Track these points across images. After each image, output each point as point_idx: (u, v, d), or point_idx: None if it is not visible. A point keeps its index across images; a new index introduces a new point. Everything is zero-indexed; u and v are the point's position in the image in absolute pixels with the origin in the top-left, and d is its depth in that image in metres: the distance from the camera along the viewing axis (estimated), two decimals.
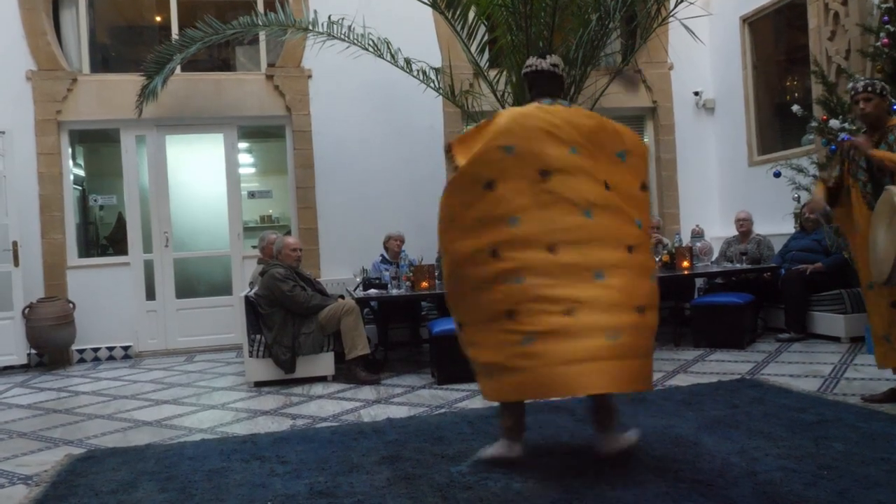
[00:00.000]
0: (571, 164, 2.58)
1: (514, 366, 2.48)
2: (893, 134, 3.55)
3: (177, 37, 6.79)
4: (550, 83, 2.82)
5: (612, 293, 2.49)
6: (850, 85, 3.87)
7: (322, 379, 4.98)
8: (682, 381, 4.32)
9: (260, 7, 7.19)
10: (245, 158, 8.68)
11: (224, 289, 7.24)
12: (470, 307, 2.65)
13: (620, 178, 2.68)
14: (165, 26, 7.21)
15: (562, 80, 2.87)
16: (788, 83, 7.21)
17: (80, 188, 7.76)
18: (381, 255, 6.24)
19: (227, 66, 7.80)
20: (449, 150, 2.69)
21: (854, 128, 5.11)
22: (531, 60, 2.86)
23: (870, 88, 3.58)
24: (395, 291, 5.31)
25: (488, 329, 2.58)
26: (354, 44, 6.17)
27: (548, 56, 2.85)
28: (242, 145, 7.96)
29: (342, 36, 6.16)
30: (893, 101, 3.77)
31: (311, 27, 6.13)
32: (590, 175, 2.60)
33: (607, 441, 2.71)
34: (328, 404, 4.28)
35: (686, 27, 5.78)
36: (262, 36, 7.15)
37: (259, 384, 4.94)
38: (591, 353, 2.39)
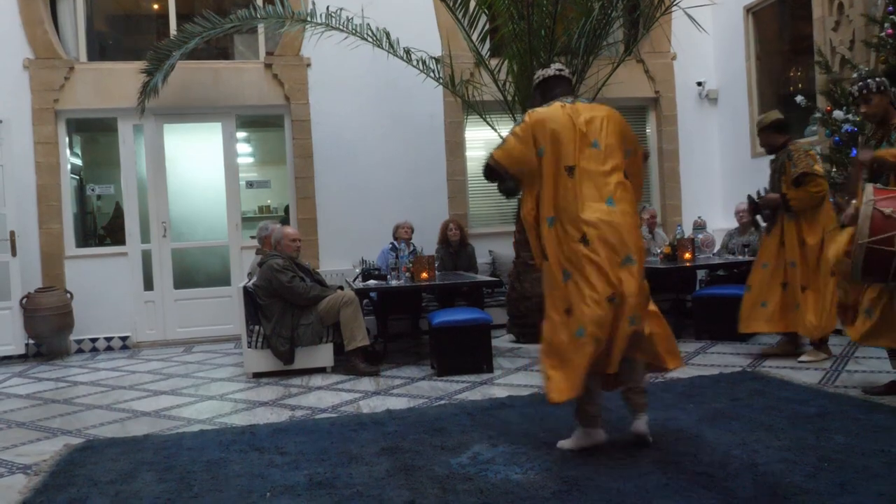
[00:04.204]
0: (593, 158, 2.82)
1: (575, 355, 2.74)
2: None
3: (174, 28, 6.76)
4: (562, 84, 3.05)
5: (638, 280, 2.79)
6: (852, 85, 3.85)
7: (321, 370, 4.96)
8: (682, 373, 4.29)
9: None
10: (243, 148, 8.64)
11: (222, 279, 7.21)
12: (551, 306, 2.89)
13: (630, 171, 2.96)
14: (163, 14, 7.15)
15: (570, 80, 3.12)
16: (792, 74, 7.17)
17: (77, 178, 7.72)
18: (392, 244, 6.24)
19: (225, 54, 7.74)
20: (495, 162, 2.93)
21: (858, 119, 5.07)
22: (538, 72, 3.15)
23: (864, 91, 3.56)
24: (394, 283, 5.28)
25: (562, 327, 2.79)
26: (353, 34, 6.12)
27: (551, 64, 3.21)
28: (241, 135, 7.93)
29: (340, 26, 6.11)
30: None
31: (309, 18, 6.09)
32: (611, 166, 2.84)
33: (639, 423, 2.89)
34: (327, 395, 4.27)
35: (689, 16, 5.74)
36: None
37: (258, 375, 4.92)
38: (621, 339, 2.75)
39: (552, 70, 3.07)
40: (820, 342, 4.50)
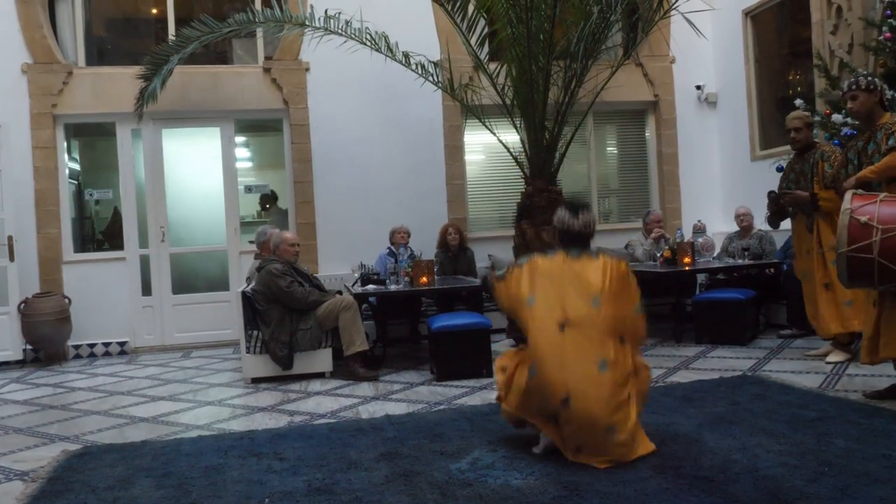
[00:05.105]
0: (590, 317, 2.73)
1: None
2: (881, 132, 3.53)
3: (173, 32, 6.77)
4: (580, 240, 2.91)
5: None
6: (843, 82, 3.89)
7: (320, 375, 4.95)
8: (683, 377, 4.30)
9: (257, 1, 7.15)
10: (242, 152, 8.63)
11: (221, 284, 7.20)
12: None
13: (631, 331, 2.85)
14: (162, 18, 7.15)
15: (589, 237, 2.94)
16: (791, 77, 7.17)
17: (75, 182, 7.71)
18: (389, 248, 6.23)
19: (224, 58, 7.74)
20: (496, 294, 2.97)
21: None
22: (563, 215, 2.92)
23: (854, 87, 3.59)
24: (393, 287, 5.27)
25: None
26: (352, 38, 6.12)
27: (580, 214, 2.91)
28: (239, 139, 7.92)
29: (339, 30, 6.11)
30: (888, 92, 3.78)
31: (307, 22, 6.08)
32: (608, 327, 2.74)
33: None
34: (326, 401, 4.25)
35: (688, 20, 5.73)
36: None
37: (256, 380, 4.91)
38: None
39: (577, 226, 2.88)
40: (837, 341, 4.49)
